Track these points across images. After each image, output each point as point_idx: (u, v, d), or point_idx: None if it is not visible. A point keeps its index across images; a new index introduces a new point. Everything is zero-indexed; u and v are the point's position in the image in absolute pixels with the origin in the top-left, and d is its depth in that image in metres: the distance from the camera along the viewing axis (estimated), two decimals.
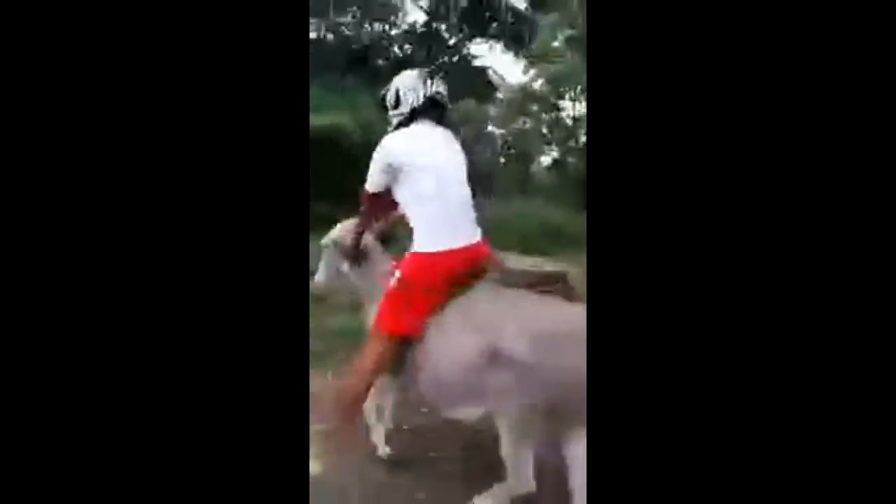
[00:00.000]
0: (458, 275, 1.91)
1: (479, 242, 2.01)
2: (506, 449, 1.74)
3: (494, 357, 1.72)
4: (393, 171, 1.94)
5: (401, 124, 2.02)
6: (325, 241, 2.34)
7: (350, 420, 2.06)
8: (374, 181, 1.99)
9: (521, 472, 1.73)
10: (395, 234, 2.40)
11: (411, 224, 1.99)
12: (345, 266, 2.28)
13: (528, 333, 1.70)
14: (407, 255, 2.00)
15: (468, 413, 1.86)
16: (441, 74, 2.16)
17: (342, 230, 2.30)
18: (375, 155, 1.96)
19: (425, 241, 1.95)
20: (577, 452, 1.66)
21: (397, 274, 1.97)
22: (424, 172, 1.93)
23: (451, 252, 1.93)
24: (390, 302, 1.97)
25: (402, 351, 1.94)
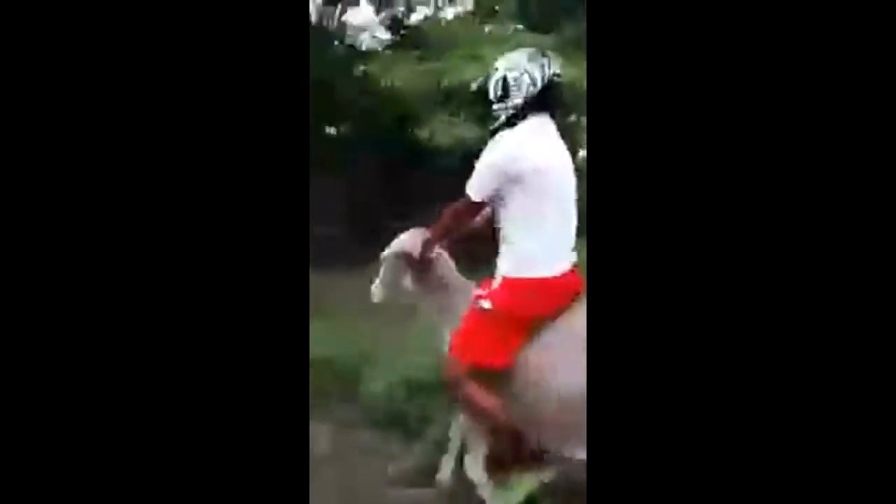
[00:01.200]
0: (556, 305, 1.63)
1: (574, 268, 1.69)
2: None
3: None
4: (509, 179, 1.58)
5: (510, 119, 1.64)
6: (387, 252, 1.93)
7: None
8: (482, 187, 1.63)
9: None
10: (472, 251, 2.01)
11: (507, 240, 1.67)
12: (408, 280, 1.90)
13: None
14: (500, 278, 1.67)
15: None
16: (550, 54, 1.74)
17: (408, 240, 1.90)
18: (488, 156, 1.62)
19: (526, 264, 1.63)
20: None
21: (486, 303, 1.64)
22: (545, 185, 1.60)
23: (553, 280, 1.64)
24: (471, 327, 1.66)
25: (488, 382, 1.63)
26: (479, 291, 1.70)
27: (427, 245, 1.79)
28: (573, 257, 1.69)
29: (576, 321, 1.54)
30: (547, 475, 1.67)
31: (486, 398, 1.62)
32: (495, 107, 1.67)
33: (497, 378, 1.62)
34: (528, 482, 1.67)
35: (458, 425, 1.90)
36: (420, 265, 1.83)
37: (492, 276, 1.71)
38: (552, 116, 1.68)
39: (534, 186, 1.58)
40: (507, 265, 1.66)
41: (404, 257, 1.85)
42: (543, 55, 1.66)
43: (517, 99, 1.61)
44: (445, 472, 1.93)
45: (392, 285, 1.91)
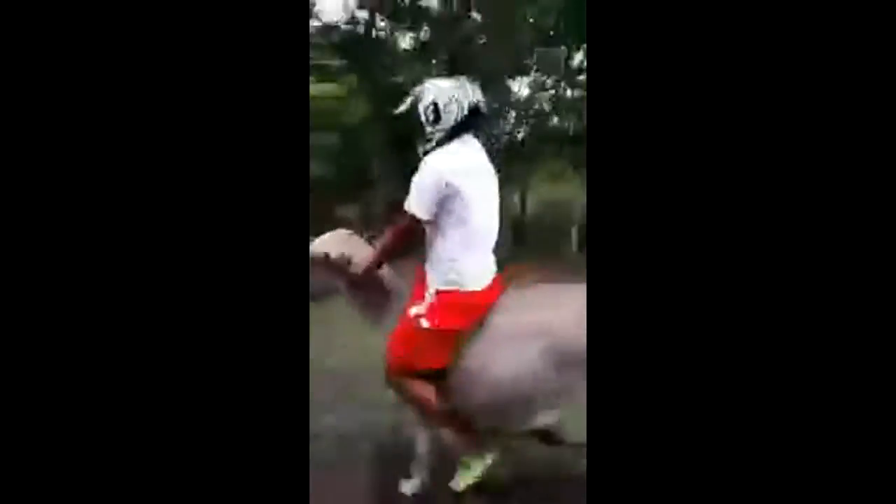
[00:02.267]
0: (485, 313, 1.79)
1: (498, 277, 1.86)
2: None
3: (563, 358, 1.67)
4: (446, 196, 1.69)
5: (440, 141, 1.76)
6: (312, 253, 1.91)
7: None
8: (424, 205, 1.71)
9: None
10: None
11: (439, 257, 1.78)
12: (342, 288, 1.96)
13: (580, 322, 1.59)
14: (435, 291, 1.78)
15: (543, 420, 1.80)
16: (474, 78, 1.90)
17: (330, 242, 1.94)
18: (425, 176, 1.71)
19: (460, 276, 1.76)
20: None
21: (425, 322, 1.76)
22: (477, 198, 1.73)
23: (482, 293, 1.79)
24: (409, 339, 1.78)
25: (427, 379, 1.79)
26: (414, 307, 1.79)
27: (371, 267, 1.86)
28: (494, 271, 1.84)
29: (499, 319, 1.77)
30: (492, 455, 1.87)
31: (425, 390, 1.78)
32: (428, 129, 1.77)
33: (436, 375, 1.78)
34: (475, 464, 1.86)
35: (423, 439, 2.01)
36: (363, 278, 1.89)
37: (422, 279, 1.82)
38: (476, 137, 1.81)
39: (466, 200, 1.69)
40: (441, 279, 1.77)
41: (333, 264, 1.89)
42: (470, 82, 1.78)
43: (448, 123, 1.73)
44: (414, 483, 2.03)
45: (322, 287, 1.93)
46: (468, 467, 1.89)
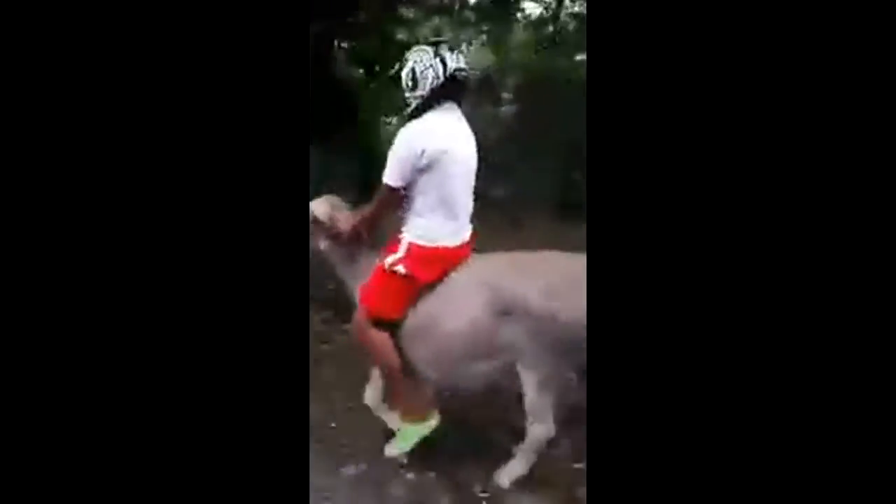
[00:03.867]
0: (450, 269, 1.88)
1: (470, 239, 1.95)
2: (531, 398, 1.79)
3: (505, 309, 1.74)
4: (423, 163, 1.76)
5: (419, 107, 1.83)
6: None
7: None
8: (400, 173, 1.79)
9: (545, 418, 1.81)
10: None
11: (416, 212, 1.87)
12: (324, 244, 2.11)
13: (539, 282, 1.73)
14: (409, 244, 1.88)
15: (479, 371, 1.86)
16: (460, 47, 1.95)
17: (318, 207, 2.09)
18: (401, 144, 1.77)
19: (432, 233, 1.86)
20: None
21: (401, 268, 1.86)
22: (452, 165, 1.79)
23: (455, 249, 1.89)
24: (382, 287, 1.90)
25: (386, 329, 1.91)
26: (389, 256, 1.90)
27: (355, 230, 2.00)
28: (468, 231, 1.94)
29: (454, 274, 1.87)
30: (433, 421, 1.97)
31: (384, 342, 1.90)
32: (407, 95, 1.85)
33: (393, 326, 1.90)
34: (415, 429, 1.97)
35: (373, 378, 2.17)
36: (347, 240, 2.04)
37: (398, 238, 1.92)
38: (458, 104, 1.87)
39: (442, 168, 1.77)
40: (415, 233, 1.87)
41: (318, 223, 2.06)
42: (450, 49, 1.82)
43: (424, 89, 1.79)
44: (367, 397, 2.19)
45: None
46: (405, 436, 1.99)
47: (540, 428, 1.82)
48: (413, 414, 1.98)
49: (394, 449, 2.02)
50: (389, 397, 2.08)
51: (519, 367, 1.79)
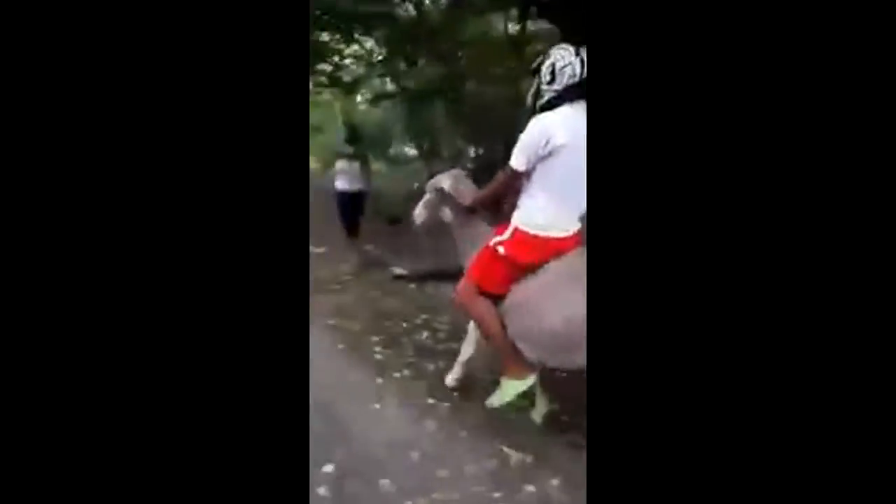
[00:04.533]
0: (550, 258, 2.01)
1: (577, 234, 2.04)
2: None
3: None
4: (547, 151, 1.89)
5: (553, 100, 1.95)
6: (429, 185, 2.47)
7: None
8: (525, 158, 1.95)
9: None
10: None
11: (529, 195, 2.01)
12: (447, 213, 2.40)
13: None
14: (515, 228, 2.04)
15: (578, 361, 1.94)
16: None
17: (445, 179, 2.39)
18: (528, 133, 1.92)
19: (539, 221, 2.00)
20: None
21: (501, 249, 2.04)
22: (574, 157, 1.89)
23: (558, 240, 2.00)
24: (485, 263, 2.09)
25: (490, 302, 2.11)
26: (497, 237, 2.08)
27: (476, 203, 2.26)
28: (577, 225, 2.03)
29: (558, 263, 2.00)
30: (531, 379, 2.14)
31: (485, 310, 2.10)
32: (543, 88, 1.97)
33: (496, 300, 2.09)
34: (514, 384, 2.15)
35: (469, 337, 2.44)
36: (460, 207, 2.31)
37: (509, 221, 2.08)
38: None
39: (560, 160, 1.89)
40: (523, 218, 2.02)
41: (444, 194, 2.36)
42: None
43: (560, 84, 1.92)
44: (456, 374, 2.53)
45: (433, 213, 2.46)
46: (506, 388, 2.17)
47: None
48: (513, 372, 2.15)
49: (495, 400, 2.25)
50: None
51: None
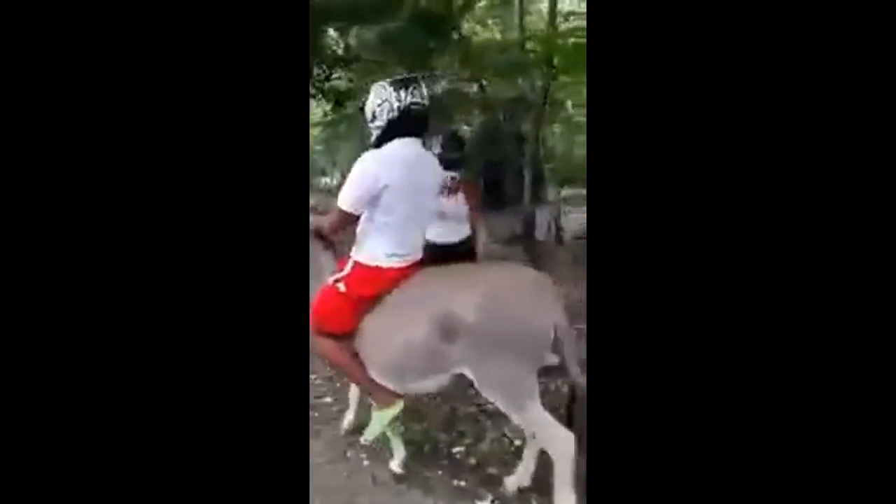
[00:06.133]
0: (390, 289, 2.01)
1: (419, 259, 2.08)
2: (523, 420, 1.85)
3: (447, 324, 1.82)
4: (373, 191, 1.90)
5: (379, 138, 1.98)
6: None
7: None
8: (352, 200, 1.94)
9: (553, 429, 1.82)
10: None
11: (364, 234, 2.02)
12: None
13: (476, 297, 1.81)
14: (354, 262, 2.04)
15: (430, 385, 1.97)
16: (423, 77, 2.07)
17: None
18: (356, 172, 1.92)
19: (377, 253, 2.00)
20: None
21: (341, 286, 2.03)
22: (400, 194, 1.91)
23: (398, 269, 2.01)
24: (326, 302, 2.06)
25: (339, 340, 2.06)
26: (337, 273, 2.06)
27: (314, 234, 2.17)
28: (418, 254, 2.07)
29: (400, 292, 1.98)
30: (398, 406, 2.13)
31: (332, 350, 2.07)
32: (370, 125, 2.01)
33: (345, 338, 2.05)
34: (383, 414, 2.15)
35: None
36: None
37: (347, 257, 2.08)
38: (419, 135, 2.00)
39: (393, 196, 1.90)
40: (362, 251, 2.02)
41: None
42: (405, 86, 1.94)
43: (381, 122, 1.95)
44: (349, 416, 2.58)
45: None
46: (375, 420, 2.16)
47: (558, 447, 1.83)
48: (380, 401, 2.12)
49: (368, 434, 2.22)
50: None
51: (471, 377, 1.87)
